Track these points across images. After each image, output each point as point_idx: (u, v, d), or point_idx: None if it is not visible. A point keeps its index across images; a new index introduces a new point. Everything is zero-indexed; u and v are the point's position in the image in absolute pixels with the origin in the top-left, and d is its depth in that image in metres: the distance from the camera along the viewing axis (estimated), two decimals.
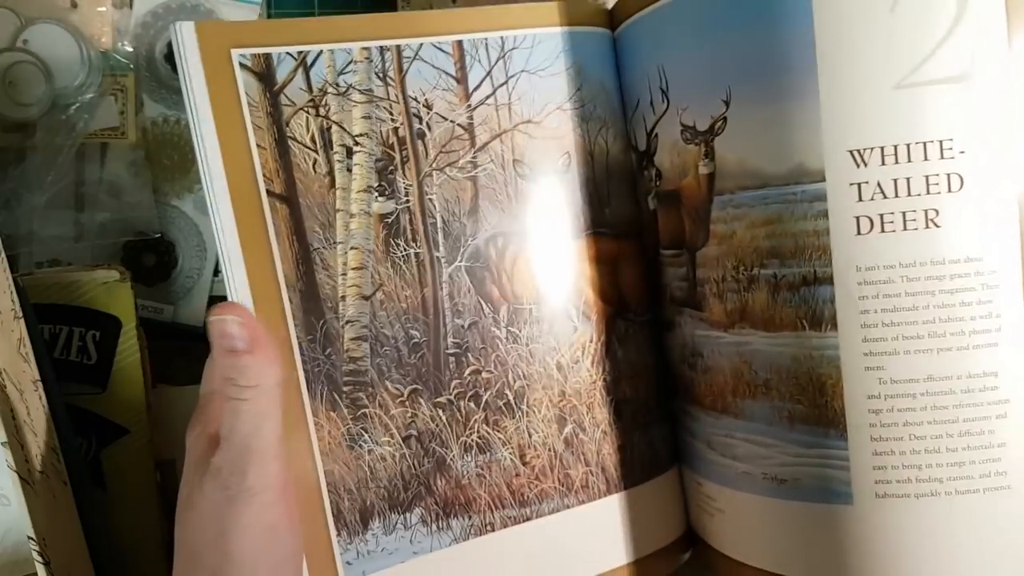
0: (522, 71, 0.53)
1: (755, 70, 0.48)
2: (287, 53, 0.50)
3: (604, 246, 0.56)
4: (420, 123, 0.52)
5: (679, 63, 0.52)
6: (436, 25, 0.52)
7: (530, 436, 0.53)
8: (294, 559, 0.47)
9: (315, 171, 0.50)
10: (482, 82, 0.53)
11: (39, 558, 0.47)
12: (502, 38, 0.53)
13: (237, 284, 0.48)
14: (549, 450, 0.54)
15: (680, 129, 0.52)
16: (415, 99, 0.52)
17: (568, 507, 0.54)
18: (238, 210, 0.48)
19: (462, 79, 0.52)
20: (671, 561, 0.59)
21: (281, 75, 0.49)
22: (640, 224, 0.57)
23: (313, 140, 0.50)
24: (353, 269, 0.51)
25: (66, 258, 0.67)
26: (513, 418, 0.53)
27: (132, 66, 0.68)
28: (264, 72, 0.49)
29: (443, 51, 0.52)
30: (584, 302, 0.55)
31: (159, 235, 0.68)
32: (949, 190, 0.45)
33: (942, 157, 0.45)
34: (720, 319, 0.52)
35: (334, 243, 0.50)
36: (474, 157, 0.53)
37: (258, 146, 0.49)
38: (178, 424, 0.59)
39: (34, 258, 0.66)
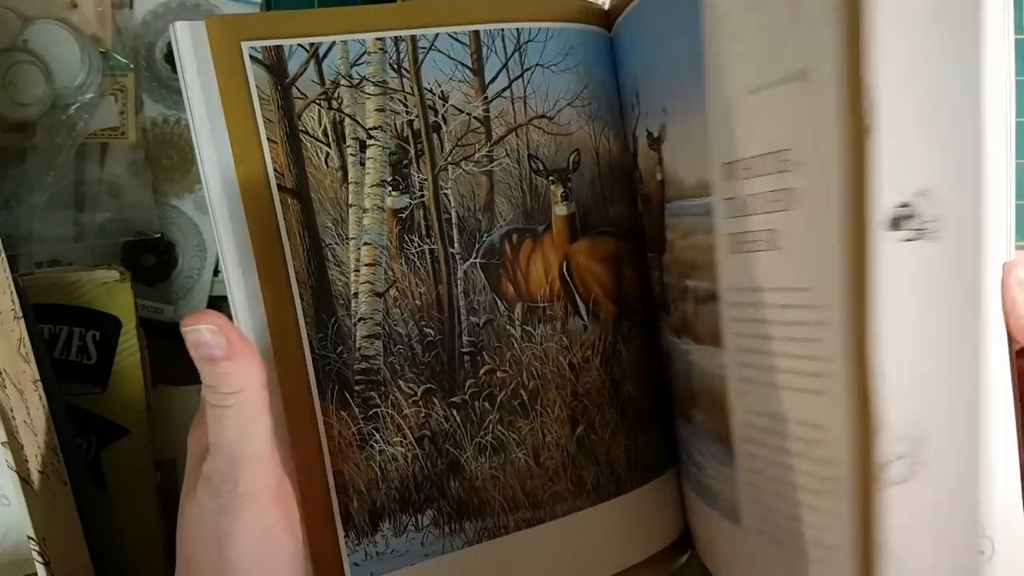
0: (537, 64, 0.53)
1: (681, 80, 0.47)
2: (299, 45, 0.49)
3: (608, 245, 0.55)
4: (435, 115, 0.51)
5: (645, 68, 0.52)
6: (452, 15, 0.52)
7: (544, 437, 0.53)
8: (293, 561, 0.46)
9: (327, 165, 0.49)
10: (498, 74, 0.52)
11: (39, 558, 0.47)
12: (518, 30, 0.52)
13: (238, 282, 0.48)
14: (562, 451, 0.53)
15: (645, 135, 0.53)
16: (430, 91, 0.51)
17: (580, 508, 0.54)
18: (248, 205, 0.48)
19: (478, 71, 0.52)
20: (671, 563, 0.59)
21: (293, 67, 0.49)
22: (638, 225, 0.57)
23: (325, 133, 0.49)
24: (366, 265, 0.50)
25: (66, 258, 0.67)
26: (527, 418, 0.53)
27: (132, 66, 0.68)
28: (275, 65, 0.48)
29: (460, 41, 0.52)
30: (593, 301, 0.54)
31: (159, 235, 0.68)
32: (788, 208, 0.39)
33: (783, 171, 0.39)
34: (676, 326, 0.52)
35: (347, 239, 0.50)
36: (490, 151, 0.52)
37: (269, 140, 0.48)
38: (178, 424, 0.59)
39: (34, 258, 0.66)
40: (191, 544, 0.45)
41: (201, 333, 0.43)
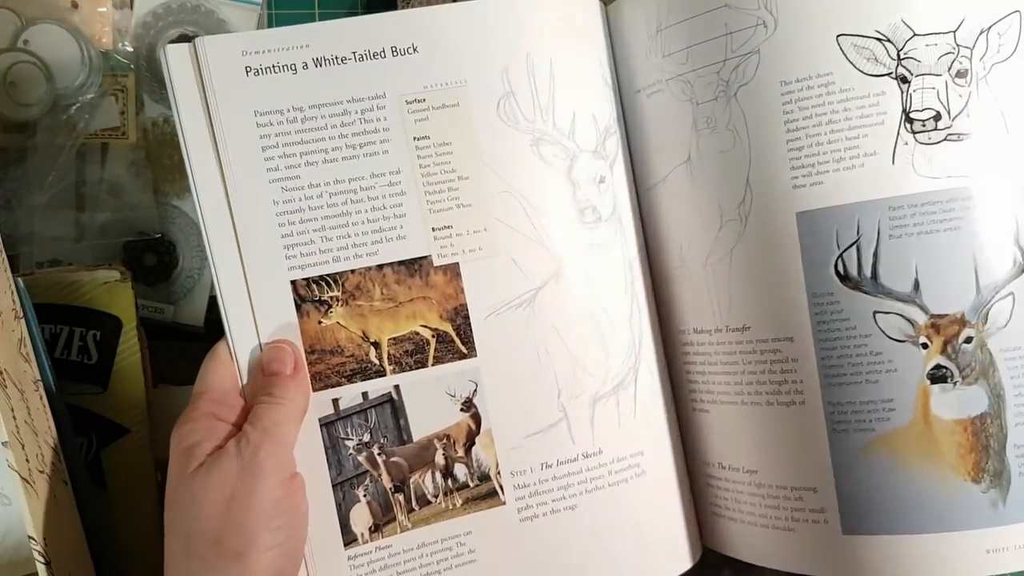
0: None
1: None
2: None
3: None
4: None
5: None
6: None
7: None
8: (294, 537, 0.49)
9: None
10: None
11: (39, 558, 0.47)
12: None
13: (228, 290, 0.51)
14: None
15: None
16: None
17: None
18: None
19: None
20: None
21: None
22: None
23: None
24: None
25: (67, 258, 0.67)
26: None
27: (132, 66, 0.68)
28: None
29: None
30: None
31: (159, 235, 0.68)
32: None
33: None
34: None
35: None
36: None
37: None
38: None
39: (35, 258, 0.66)
40: (198, 511, 0.46)
41: (280, 351, 0.50)
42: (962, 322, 0.49)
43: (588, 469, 0.54)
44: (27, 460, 0.49)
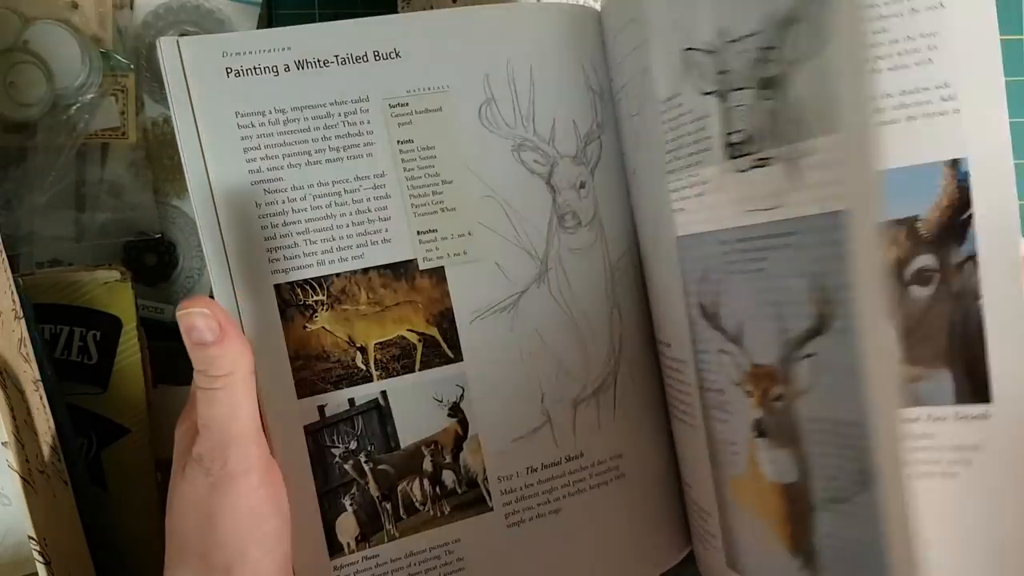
0: None
1: None
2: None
3: None
4: None
5: None
6: None
7: None
8: (281, 539, 0.48)
9: None
10: None
11: (39, 558, 0.48)
12: None
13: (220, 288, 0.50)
14: None
15: None
16: None
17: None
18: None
19: None
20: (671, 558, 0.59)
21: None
22: None
23: None
24: None
25: (67, 258, 0.67)
26: None
27: (133, 66, 0.68)
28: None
29: None
30: None
31: (160, 235, 0.68)
32: None
33: None
34: None
35: None
36: None
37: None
38: None
39: (35, 258, 0.66)
40: (182, 524, 0.46)
41: (194, 316, 0.46)
42: (773, 377, 0.43)
43: (571, 472, 0.54)
44: (27, 460, 0.49)
